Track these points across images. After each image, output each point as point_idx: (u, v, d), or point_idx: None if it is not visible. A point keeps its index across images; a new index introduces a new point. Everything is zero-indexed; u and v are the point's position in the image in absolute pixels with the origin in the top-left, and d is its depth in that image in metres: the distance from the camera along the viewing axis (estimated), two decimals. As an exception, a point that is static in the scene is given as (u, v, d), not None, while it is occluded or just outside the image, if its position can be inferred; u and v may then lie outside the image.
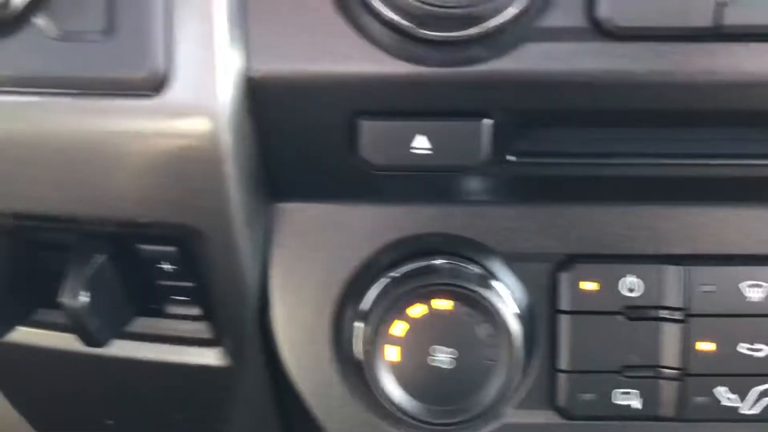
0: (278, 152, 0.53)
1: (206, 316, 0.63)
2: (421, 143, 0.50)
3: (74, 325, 0.57)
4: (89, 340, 0.58)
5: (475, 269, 0.57)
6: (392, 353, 0.54)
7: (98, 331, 0.58)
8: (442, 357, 0.54)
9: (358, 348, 0.57)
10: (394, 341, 0.54)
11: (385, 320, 0.54)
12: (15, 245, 0.60)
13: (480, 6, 0.43)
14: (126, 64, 0.46)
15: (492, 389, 0.54)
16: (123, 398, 0.70)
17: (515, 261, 0.57)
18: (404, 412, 0.54)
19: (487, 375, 0.54)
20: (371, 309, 0.55)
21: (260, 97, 0.49)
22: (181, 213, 0.51)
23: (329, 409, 0.60)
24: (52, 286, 0.64)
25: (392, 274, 0.57)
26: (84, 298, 0.56)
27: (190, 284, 0.60)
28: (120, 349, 0.64)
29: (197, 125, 0.47)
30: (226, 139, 0.48)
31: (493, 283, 0.56)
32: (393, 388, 0.54)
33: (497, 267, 0.58)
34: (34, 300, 0.65)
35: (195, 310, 0.63)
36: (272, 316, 0.59)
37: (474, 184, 0.56)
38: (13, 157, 0.50)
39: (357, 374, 0.59)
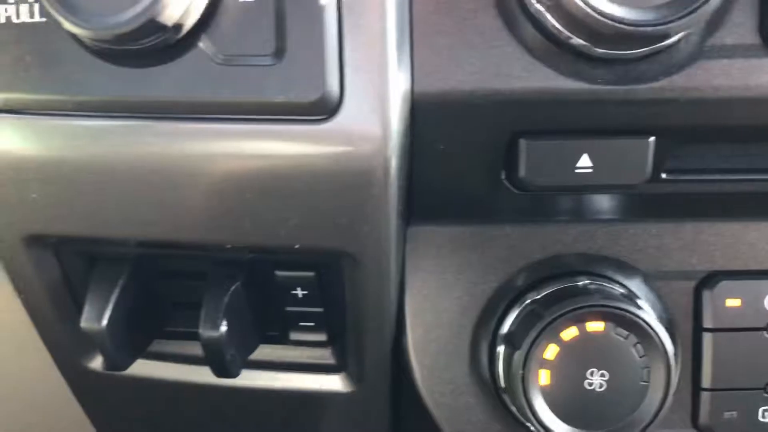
0: (427, 173, 0.52)
1: (330, 342, 0.62)
2: (583, 162, 0.49)
3: (211, 355, 0.55)
4: (222, 372, 0.57)
5: (619, 289, 0.56)
6: (544, 377, 0.53)
7: (232, 362, 0.57)
8: (594, 379, 0.53)
9: (500, 372, 0.55)
10: (546, 365, 0.53)
11: (537, 344, 0.53)
12: (136, 274, 0.59)
13: (673, 23, 0.42)
14: (297, 88, 0.45)
15: (645, 411, 0.53)
16: (235, 428, 0.69)
17: (657, 279, 0.57)
18: (557, 437, 0.53)
19: (641, 397, 0.53)
20: (518, 332, 0.54)
21: (422, 118, 0.48)
22: (339, 238, 0.50)
23: (466, 435, 0.59)
24: (170, 315, 0.63)
25: (534, 296, 0.56)
26: (223, 327, 0.54)
27: (318, 310, 0.59)
28: (240, 378, 0.62)
29: (367, 149, 0.46)
30: (393, 163, 0.47)
31: (640, 302, 0.55)
32: (545, 413, 0.53)
33: (637, 286, 0.57)
34: (151, 331, 0.63)
35: (320, 336, 0.61)
36: (407, 340, 0.58)
37: (617, 202, 0.56)
38: (176, 183, 0.48)
39: (496, 399, 0.58)
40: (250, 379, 0.63)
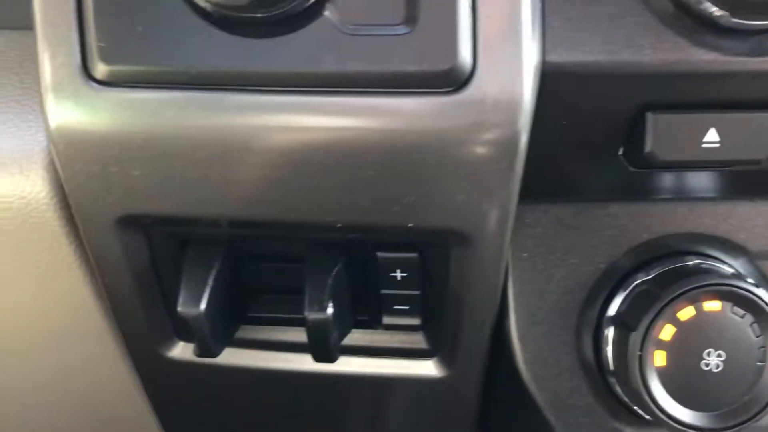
0: (543, 148, 0.51)
1: (423, 326, 0.60)
2: (710, 137, 0.48)
3: (316, 339, 0.54)
4: (324, 355, 0.55)
5: (728, 268, 0.55)
6: (659, 358, 0.52)
7: (335, 346, 0.55)
8: (711, 360, 0.52)
9: (610, 355, 0.54)
10: (662, 346, 0.52)
11: (654, 324, 0.51)
12: (228, 258, 0.57)
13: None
14: (428, 59, 0.44)
15: (762, 392, 0.52)
16: (318, 416, 0.67)
17: (763, 259, 0.56)
18: (673, 419, 0.52)
19: (757, 377, 0.52)
20: (632, 313, 0.53)
21: (550, 89, 0.47)
22: (456, 216, 0.49)
23: (571, 418, 0.57)
24: (254, 301, 0.61)
25: (643, 277, 0.55)
26: (330, 309, 0.53)
27: (415, 293, 0.58)
28: (329, 364, 0.61)
29: (499, 120, 0.45)
30: (524, 136, 0.45)
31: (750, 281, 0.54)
32: (661, 395, 0.52)
33: (743, 266, 0.56)
34: (238, 317, 0.61)
35: (414, 321, 0.60)
36: (510, 323, 0.57)
37: (725, 180, 0.54)
38: (296, 160, 0.47)
39: (600, 382, 0.57)
40: (339, 364, 0.61)
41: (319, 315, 0.52)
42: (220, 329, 0.57)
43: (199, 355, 0.57)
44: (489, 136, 0.45)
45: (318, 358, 0.55)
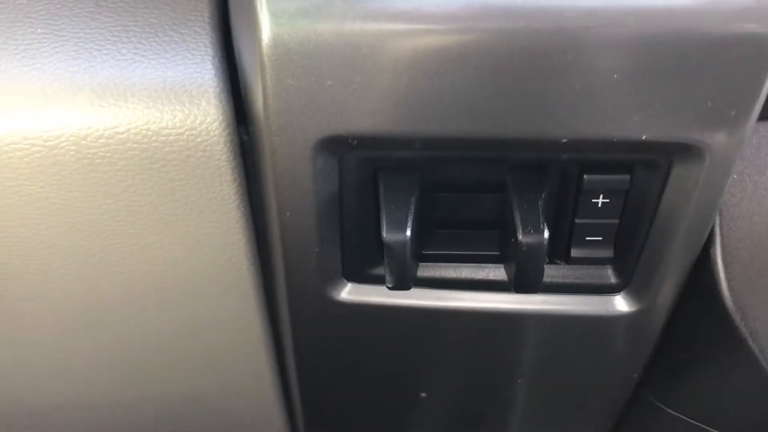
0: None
1: (613, 259, 0.58)
2: None
3: (528, 265, 0.51)
4: (533, 283, 0.52)
5: None
6: None
7: (543, 273, 0.52)
8: None
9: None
10: None
11: None
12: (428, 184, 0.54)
13: None
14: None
15: None
16: (485, 360, 0.64)
17: None
18: None
19: None
20: None
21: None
22: (701, 127, 0.46)
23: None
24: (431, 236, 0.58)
25: None
26: (546, 233, 0.50)
27: (614, 221, 0.55)
28: (507, 302, 0.58)
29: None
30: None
31: None
32: None
33: None
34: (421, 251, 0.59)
35: (607, 252, 0.57)
36: (716, 249, 0.54)
37: None
38: (525, 68, 0.44)
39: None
40: (519, 302, 0.59)
41: (534, 238, 0.49)
42: (413, 260, 0.54)
43: (394, 287, 0.54)
44: (746, 35, 0.42)
45: (524, 288, 0.52)
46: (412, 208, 0.51)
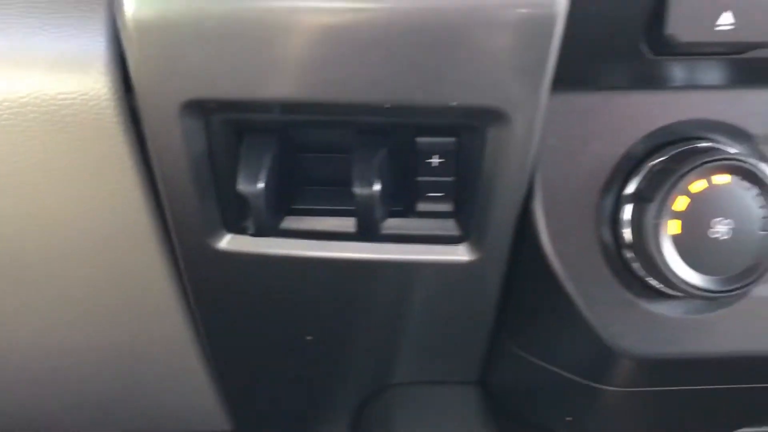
0: (570, 36, 0.56)
1: (455, 213, 0.66)
2: (726, 19, 0.53)
3: (363, 213, 0.59)
4: (372, 229, 0.61)
5: (734, 150, 0.61)
6: (674, 227, 0.58)
7: (379, 222, 0.61)
8: (720, 228, 0.58)
9: (630, 229, 0.60)
10: (677, 215, 0.58)
11: (669, 195, 0.57)
12: (281, 146, 0.62)
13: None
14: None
15: (765, 258, 0.58)
16: (341, 307, 0.72)
17: (765, 144, 0.62)
18: (685, 283, 0.58)
19: (761, 245, 0.58)
20: (650, 187, 0.58)
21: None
22: (497, 93, 0.54)
23: (588, 291, 0.63)
24: (297, 193, 0.66)
25: (659, 158, 0.60)
26: (377, 186, 0.58)
27: (450, 179, 0.63)
28: (368, 251, 0.66)
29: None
30: (561, 9, 0.51)
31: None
32: (674, 260, 0.58)
33: (747, 149, 0.62)
34: (285, 207, 0.66)
35: (447, 207, 0.65)
36: (535, 203, 0.62)
37: (734, 68, 0.60)
38: (342, 38, 0.52)
39: (617, 257, 0.63)
40: (376, 251, 0.67)
41: (366, 190, 0.58)
42: (273, 213, 0.62)
43: (255, 234, 0.62)
44: (528, 14, 0.50)
45: (363, 234, 0.61)
46: (268, 163, 0.59)
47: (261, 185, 0.58)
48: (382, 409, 0.88)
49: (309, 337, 0.79)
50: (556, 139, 0.61)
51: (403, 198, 0.65)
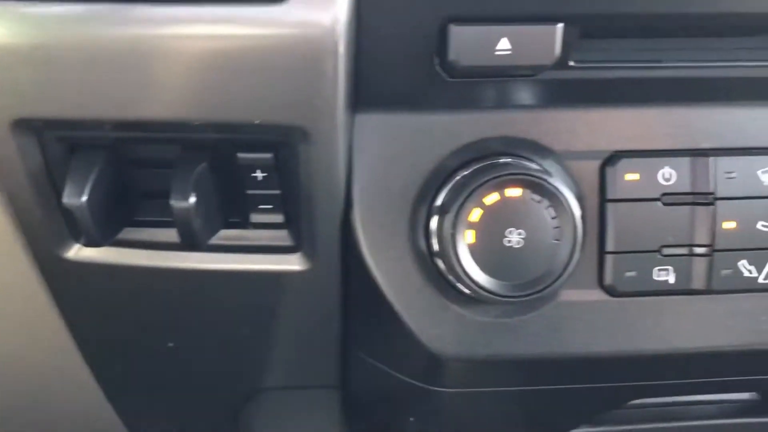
0: (371, 61, 0.60)
1: (287, 224, 0.70)
2: (503, 45, 0.58)
3: (182, 225, 0.63)
4: (191, 240, 0.64)
5: (535, 165, 0.65)
6: (470, 236, 0.62)
7: (201, 232, 0.64)
8: (513, 238, 0.62)
9: (436, 239, 0.64)
10: (472, 226, 0.62)
11: (464, 208, 0.62)
12: (111, 161, 0.66)
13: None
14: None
15: (557, 265, 0.63)
16: (200, 310, 0.76)
17: (568, 159, 0.66)
18: (481, 287, 0.62)
19: (552, 253, 0.63)
20: (449, 201, 0.63)
21: (366, 5, 0.56)
22: (295, 113, 0.58)
23: (405, 297, 0.67)
24: (138, 205, 0.70)
25: (463, 172, 0.65)
26: (192, 198, 0.62)
27: (276, 192, 0.67)
28: (205, 261, 0.70)
29: (317, 33, 0.54)
30: (343, 39, 0.55)
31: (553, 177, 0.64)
32: (471, 267, 0.62)
33: (551, 165, 0.66)
34: (123, 218, 0.70)
35: (278, 218, 0.69)
36: (354, 215, 0.66)
37: (536, 90, 0.65)
38: (149, 63, 0.56)
39: (431, 265, 0.67)
40: (213, 261, 0.71)
41: (182, 203, 0.62)
42: (104, 223, 0.66)
43: (86, 244, 0.65)
44: (308, 45, 0.55)
45: (186, 245, 0.65)
46: (93, 177, 0.63)
47: (84, 198, 0.62)
48: (247, 414, 0.91)
49: (170, 344, 0.82)
50: (369, 156, 0.65)
51: (239, 210, 0.69)
